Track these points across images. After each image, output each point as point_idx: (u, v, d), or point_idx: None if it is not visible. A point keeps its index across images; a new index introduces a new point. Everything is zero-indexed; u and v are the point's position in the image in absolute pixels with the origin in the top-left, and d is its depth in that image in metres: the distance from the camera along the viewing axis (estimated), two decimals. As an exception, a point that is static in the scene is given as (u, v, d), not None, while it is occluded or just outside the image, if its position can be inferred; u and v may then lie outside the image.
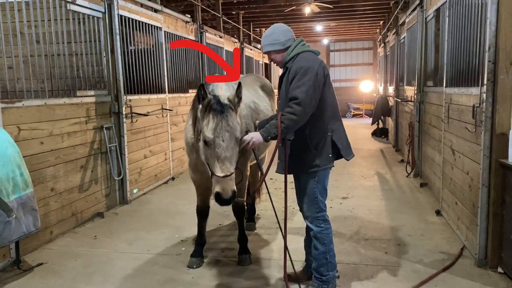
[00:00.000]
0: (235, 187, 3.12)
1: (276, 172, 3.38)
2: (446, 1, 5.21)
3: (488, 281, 3.58)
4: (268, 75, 16.85)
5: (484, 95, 3.67)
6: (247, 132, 3.35)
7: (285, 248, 3.31)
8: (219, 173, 3.05)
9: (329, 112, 3.25)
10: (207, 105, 3.10)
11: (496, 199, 3.67)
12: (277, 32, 3.30)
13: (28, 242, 4.33)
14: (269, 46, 3.31)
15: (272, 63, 3.43)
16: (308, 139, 3.19)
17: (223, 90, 3.36)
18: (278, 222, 3.43)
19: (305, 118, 3.09)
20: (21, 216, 3.73)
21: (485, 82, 3.66)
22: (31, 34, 4.77)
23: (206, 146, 3.11)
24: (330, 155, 3.27)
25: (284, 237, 3.35)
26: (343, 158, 3.38)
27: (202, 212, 4.10)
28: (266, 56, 3.56)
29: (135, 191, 6.47)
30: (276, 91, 4.04)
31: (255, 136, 3.17)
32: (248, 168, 4.20)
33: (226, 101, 3.13)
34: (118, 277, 3.86)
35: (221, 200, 3.07)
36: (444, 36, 5.39)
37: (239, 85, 3.25)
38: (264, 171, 3.42)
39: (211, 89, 3.32)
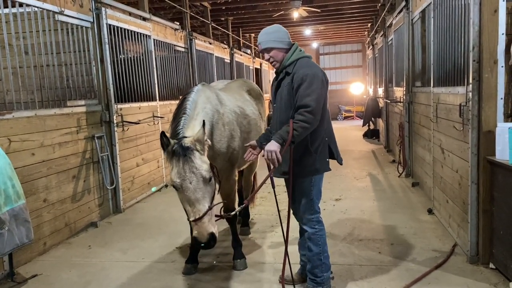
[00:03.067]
0: (212, 229, 3.06)
1: (273, 176, 3.30)
2: (431, 2, 5.29)
3: (480, 277, 3.63)
4: (258, 80, 16.90)
5: (470, 94, 3.74)
6: (261, 147, 3.29)
7: (286, 252, 3.32)
8: (191, 217, 3.06)
9: (326, 118, 3.30)
10: (170, 151, 3.12)
11: (485, 196, 3.73)
12: (282, 31, 3.31)
13: (22, 254, 4.31)
14: (274, 43, 3.27)
15: (266, 62, 3.43)
16: (309, 143, 3.22)
17: (195, 121, 3.39)
18: (281, 223, 3.43)
19: (316, 125, 3.13)
20: (13, 228, 3.72)
21: (470, 81, 3.72)
22: (20, 45, 4.77)
23: (177, 191, 3.11)
24: (328, 159, 3.32)
25: (286, 241, 3.35)
26: (334, 160, 3.42)
27: None
28: (256, 60, 3.54)
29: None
30: (266, 96, 4.06)
31: (272, 147, 3.01)
32: (236, 173, 4.22)
33: (188, 144, 3.11)
34: (114, 286, 3.85)
35: (199, 244, 3.06)
36: (430, 37, 5.47)
37: (203, 123, 3.24)
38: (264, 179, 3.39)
39: (183, 124, 3.34)
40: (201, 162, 3.12)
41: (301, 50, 3.33)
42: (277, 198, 3.44)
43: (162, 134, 3.12)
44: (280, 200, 5.43)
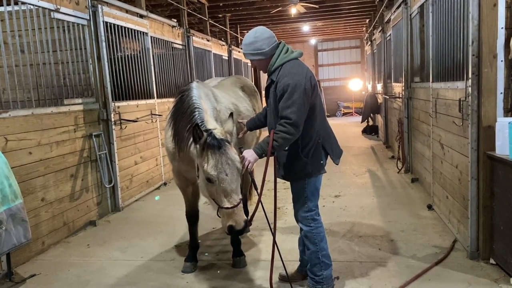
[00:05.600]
0: (244, 215, 3.12)
1: (277, 177, 3.39)
2: (429, -3, 5.26)
3: (480, 272, 3.62)
4: (257, 76, 16.88)
5: (470, 89, 3.72)
6: (241, 149, 3.33)
7: (273, 248, 3.32)
8: (227, 204, 3.04)
9: (318, 119, 3.24)
10: (204, 143, 3.08)
11: (485, 191, 3.71)
12: (259, 40, 3.16)
13: (20, 254, 4.28)
14: (252, 55, 3.21)
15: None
16: (299, 149, 3.19)
17: (209, 116, 3.40)
18: (269, 224, 3.43)
19: (298, 135, 3.10)
20: (11, 228, 3.69)
21: (470, 76, 3.70)
22: (16, 44, 4.73)
23: (209, 183, 3.08)
24: (322, 162, 3.27)
25: (274, 236, 3.35)
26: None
27: (192, 217, 4.10)
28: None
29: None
30: (263, 93, 4.05)
31: (249, 156, 3.12)
32: None
33: (221, 136, 3.12)
34: (112, 285, 3.83)
35: (235, 232, 3.08)
36: (428, 32, 5.44)
37: (231, 115, 3.25)
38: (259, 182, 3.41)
39: (200, 117, 3.32)
40: (235, 154, 3.12)
41: (287, 51, 3.21)
42: (277, 195, 3.43)
43: (196, 126, 3.07)
44: (279, 197, 5.42)
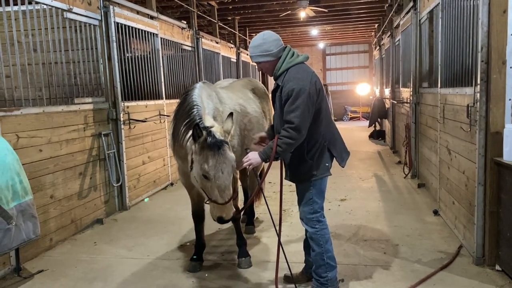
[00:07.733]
0: (234, 208, 3.32)
1: (285, 178, 3.45)
2: (439, 3, 5.27)
3: (486, 279, 3.61)
4: (264, 79, 16.93)
5: (478, 95, 3.72)
6: (246, 150, 3.39)
7: (278, 249, 3.39)
8: (221, 200, 3.21)
9: (324, 122, 3.28)
10: (203, 142, 3.18)
11: (492, 197, 3.70)
12: (267, 42, 3.21)
13: (28, 250, 4.34)
14: (260, 57, 3.25)
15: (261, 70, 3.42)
16: (305, 151, 3.23)
17: (206, 114, 3.49)
18: (274, 226, 3.48)
19: (302, 140, 3.15)
20: (21, 223, 3.75)
21: (478, 82, 3.70)
22: (28, 42, 4.80)
23: (205, 179, 3.21)
24: (327, 164, 3.31)
25: (279, 238, 3.41)
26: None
27: (198, 216, 4.14)
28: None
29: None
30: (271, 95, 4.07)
31: (253, 158, 3.21)
32: (237, 172, 4.21)
33: (220, 137, 3.23)
34: (118, 283, 3.87)
35: (224, 221, 3.30)
36: (437, 37, 5.44)
37: (231, 114, 3.38)
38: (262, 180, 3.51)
39: (198, 114, 3.45)
40: (231, 153, 3.26)
41: (293, 55, 3.25)
42: (283, 198, 3.46)
43: (196, 125, 3.19)
44: (286, 200, 5.43)
